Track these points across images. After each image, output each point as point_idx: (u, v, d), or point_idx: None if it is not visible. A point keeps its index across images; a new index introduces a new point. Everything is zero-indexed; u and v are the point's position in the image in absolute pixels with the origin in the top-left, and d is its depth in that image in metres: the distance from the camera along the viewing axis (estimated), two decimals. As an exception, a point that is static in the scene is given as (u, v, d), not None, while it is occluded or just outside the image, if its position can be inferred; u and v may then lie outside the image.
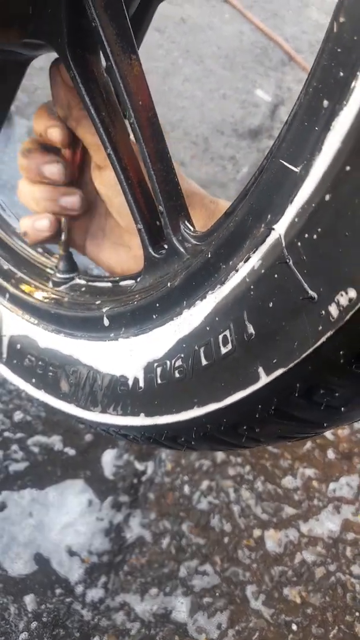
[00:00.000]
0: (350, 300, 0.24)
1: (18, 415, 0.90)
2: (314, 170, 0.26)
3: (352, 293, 0.24)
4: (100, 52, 0.47)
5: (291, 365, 0.29)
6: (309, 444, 1.06)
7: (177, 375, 0.40)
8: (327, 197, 0.25)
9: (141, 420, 0.45)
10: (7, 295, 0.64)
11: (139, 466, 0.91)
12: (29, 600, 0.73)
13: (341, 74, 0.25)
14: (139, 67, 0.43)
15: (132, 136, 0.45)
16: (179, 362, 0.40)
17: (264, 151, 1.85)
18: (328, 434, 1.09)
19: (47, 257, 0.68)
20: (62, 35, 0.44)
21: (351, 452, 1.06)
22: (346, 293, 0.24)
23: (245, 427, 0.36)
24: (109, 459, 0.90)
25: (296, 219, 0.27)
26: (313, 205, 0.26)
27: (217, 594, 0.83)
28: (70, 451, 0.88)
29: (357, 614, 0.87)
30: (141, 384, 0.44)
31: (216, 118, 1.89)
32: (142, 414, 0.45)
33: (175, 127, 1.73)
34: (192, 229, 0.44)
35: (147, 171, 0.44)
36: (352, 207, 0.24)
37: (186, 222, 0.44)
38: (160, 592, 0.80)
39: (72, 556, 0.78)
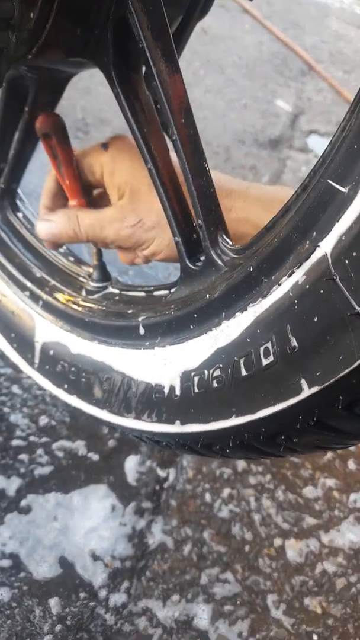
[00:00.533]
0: None
1: (43, 420, 0.91)
2: (364, 191, 0.27)
3: None
4: (144, 71, 0.48)
5: (335, 378, 0.30)
6: (329, 454, 1.06)
7: (215, 384, 0.41)
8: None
9: (176, 428, 0.46)
10: (41, 303, 0.66)
11: (161, 473, 0.92)
12: (54, 603, 0.74)
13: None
14: (182, 85, 0.45)
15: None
16: (217, 372, 0.41)
17: (284, 160, 1.86)
18: (349, 445, 1.09)
19: (80, 266, 0.69)
20: (108, 55, 0.46)
21: (372, 463, 1.05)
22: (395, 310, 0.25)
23: (283, 437, 0.37)
24: (131, 465, 0.91)
25: (343, 237, 0.28)
26: (361, 224, 0.27)
27: (238, 602, 0.83)
28: (94, 456, 0.90)
29: (378, 626, 0.87)
30: (177, 392, 0.45)
31: (237, 128, 1.91)
32: (177, 422, 0.46)
33: (197, 137, 1.75)
34: (230, 242, 0.45)
35: (187, 186, 0.45)
36: None
37: (224, 235, 0.45)
38: (182, 599, 0.81)
39: (96, 560, 0.79)
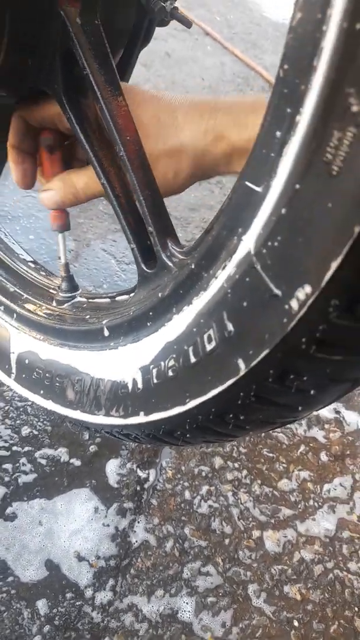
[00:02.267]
0: (306, 294, 0.30)
1: (25, 430, 0.94)
2: (272, 189, 0.32)
3: (308, 288, 0.30)
4: (91, 95, 0.54)
5: (264, 354, 0.34)
6: (302, 448, 1.11)
7: (170, 373, 0.45)
8: (284, 211, 0.31)
9: (141, 419, 0.50)
10: (15, 315, 0.69)
11: (142, 474, 0.96)
12: (41, 604, 0.77)
13: (288, 110, 0.31)
14: (125, 107, 0.50)
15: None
16: (171, 362, 0.45)
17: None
18: (320, 437, 1.13)
19: (50, 279, 0.74)
20: (58, 83, 0.51)
21: (343, 454, 1.10)
22: (303, 288, 0.30)
23: (231, 415, 0.42)
24: (112, 468, 0.94)
25: (261, 230, 0.33)
26: (273, 218, 0.32)
27: (220, 594, 0.86)
28: (76, 462, 0.93)
29: (355, 609, 0.91)
30: (139, 385, 0.50)
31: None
32: (141, 413, 0.50)
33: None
34: (178, 245, 0.50)
35: (136, 197, 0.50)
36: (303, 218, 0.30)
37: (173, 240, 0.50)
38: (166, 594, 0.84)
39: (81, 561, 0.82)
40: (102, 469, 0.94)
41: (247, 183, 0.34)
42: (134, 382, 0.50)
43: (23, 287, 0.72)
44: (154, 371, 0.48)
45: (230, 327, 0.37)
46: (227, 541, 0.93)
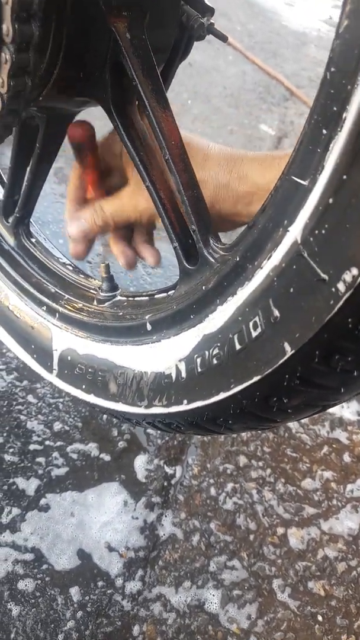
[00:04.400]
0: (353, 277, 0.33)
1: (57, 426, 0.98)
2: (319, 182, 0.35)
3: (355, 271, 0.33)
4: (137, 104, 0.57)
5: (310, 336, 0.37)
6: (325, 449, 1.12)
7: (214, 362, 0.48)
8: (331, 201, 0.34)
9: (184, 407, 0.53)
10: (57, 315, 0.73)
11: (169, 470, 0.98)
12: (74, 592, 0.79)
13: (335, 108, 0.34)
14: (171, 115, 0.53)
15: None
16: (215, 351, 0.48)
17: (270, 181, 1.96)
18: (343, 439, 1.15)
19: (89, 280, 0.77)
20: (106, 93, 0.55)
21: (366, 455, 1.12)
22: (350, 271, 0.33)
23: (275, 399, 0.44)
24: (140, 464, 0.97)
25: (308, 220, 0.36)
26: (320, 208, 0.35)
27: (245, 587, 0.88)
28: (106, 457, 0.96)
29: (379, 606, 0.92)
30: (183, 374, 0.53)
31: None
32: (185, 401, 0.53)
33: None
34: (219, 242, 0.53)
35: (180, 198, 0.53)
36: (351, 205, 0.33)
37: (214, 237, 0.53)
38: (193, 585, 0.86)
39: (111, 552, 0.85)
40: (130, 464, 0.97)
41: (293, 178, 0.37)
42: (178, 372, 0.53)
43: (64, 288, 0.76)
44: (198, 360, 0.50)
45: (276, 312, 0.40)
46: (252, 537, 0.95)
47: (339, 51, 0.33)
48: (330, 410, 1.23)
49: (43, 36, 0.43)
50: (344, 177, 0.33)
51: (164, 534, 0.90)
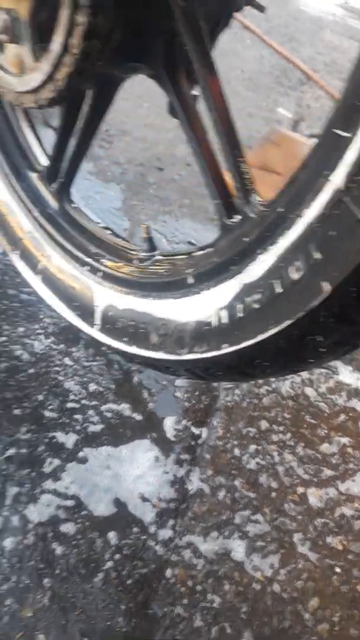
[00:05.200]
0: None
1: (92, 387, 1.03)
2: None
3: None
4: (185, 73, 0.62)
5: (347, 273, 0.42)
6: (342, 416, 1.17)
7: (255, 306, 0.53)
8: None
9: (224, 350, 0.58)
10: (99, 274, 0.78)
11: (195, 431, 1.04)
12: (112, 536, 0.85)
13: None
14: (218, 78, 0.58)
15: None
16: (257, 296, 0.53)
17: (289, 162, 1.99)
18: (359, 408, 1.20)
19: (128, 242, 0.82)
20: (158, 59, 0.59)
21: (383, 423, 1.16)
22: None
23: (311, 337, 0.49)
24: (169, 424, 1.03)
25: (350, 169, 0.41)
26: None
27: (268, 539, 0.94)
28: (138, 417, 1.01)
29: (394, 561, 0.97)
30: (224, 320, 0.58)
31: (244, 134, 2.04)
32: (225, 345, 0.58)
33: (207, 143, 1.89)
34: (259, 198, 0.57)
35: (226, 158, 0.58)
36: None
37: (255, 194, 0.57)
38: (220, 536, 0.92)
39: (144, 502, 0.91)
40: (160, 424, 1.02)
41: (335, 131, 0.42)
42: (219, 318, 0.58)
43: (105, 250, 0.81)
44: (239, 306, 0.55)
45: (317, 255, 0.45)
46: (273, 494, 1.00)
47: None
48: (347, 380, 1.28)
49: (113, 3, 0.47)
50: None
51: (192, 489, 0.96)
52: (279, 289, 0.50)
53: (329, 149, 0.43)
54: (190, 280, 0.63)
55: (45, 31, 0.55)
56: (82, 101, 0.72)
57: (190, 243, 1.46)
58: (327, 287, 0.44)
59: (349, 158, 0.41)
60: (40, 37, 0.57)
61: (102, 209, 1.42)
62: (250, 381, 1.14)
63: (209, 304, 0.60)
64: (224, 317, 0.57)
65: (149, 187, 1.61)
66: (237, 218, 0.58)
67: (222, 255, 0.59)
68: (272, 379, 1.20)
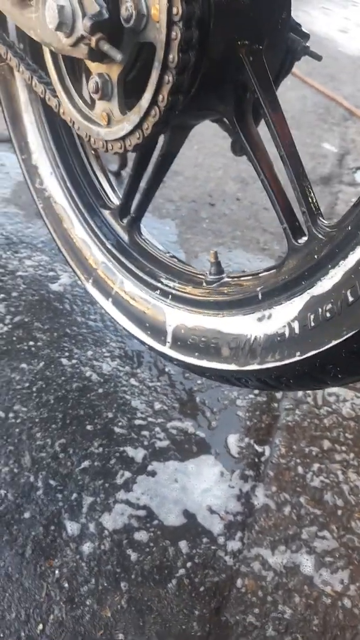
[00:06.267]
0: None
1: (157, 405, 1.09)
2: None
3: None
4: (253, 115, 0.70)
5: None
6: None
7: (328, 315, 0.58)
8: None
9: (297, 358, 0.63)
10: (170, 296, 0.86)
11: (258, 448, 1.07)
12: (183, 545, 0.89)
13: None
14: (283, 118, 0.65)
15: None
16: (329, 306, 0.58)
17: (336, 194, 2.05)
18: None
19: (194, 268, 0.90)
20: (230, 106, 0.68)
21: None
22: None
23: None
24: (233, 441, 1.07)
25: None
26: None
27: (336, 556, 0.95)
28: (202, 434, 1.06)
29: None
30: (296, 331, 0.63)
31: (290, 169, 2.13)
32: (297, 353, 0.63)
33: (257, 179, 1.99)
34: (326, 221, 0.63)
35: (293, 186, 0.65)
36: None
37: (321, 216, 0.64)
38: (288, 550, 0.94)
39: (212, 514, 0.94)
40: (223, 441, 1.07)
41: None
42: (291, 329, 0.64)
43: (174, 275, 0.89)
44: (311, 317, 0.61)
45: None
46: (340, 512, 1.02)
47: None
48: None
49: (195, 62, 0.56)
50: None
51: (258, 503, 0.99)
52: (351, 298, 0.55)
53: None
54: (260, 297, 0.69)
55: (131, 89, 0.65)
56: (154, 146, 0.81)
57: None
58: None
59: None
60: (126, 94, 0.67)
61: (159, 243, 1.51)
62: (319, 389, 1.17)
63: (281, 317, 0.65)
64: (296, 328, 0.63)
65: (202, 222, 1.71)
66: (305, 240, 0.64)
67: (292, 273, 0.65)
68: (333, 401, 1.22)
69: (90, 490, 0.95)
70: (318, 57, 0.76)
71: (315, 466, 1.08)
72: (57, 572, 0.84)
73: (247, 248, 1.68)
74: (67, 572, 0.84)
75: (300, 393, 1.24)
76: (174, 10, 0.52)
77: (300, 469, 1.07)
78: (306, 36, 0.74)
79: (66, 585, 0.83)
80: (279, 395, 1.21)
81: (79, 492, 0.94)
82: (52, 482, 0.95)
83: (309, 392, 1.25)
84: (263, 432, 1.12)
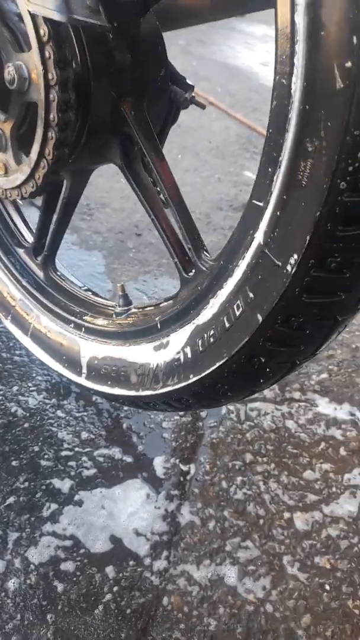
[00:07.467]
0: (295, 260, 0.50)
1: (84, 435, 1.12)
2: (270, 202, 0.53)
3: (296, 256, 0.50)
4: (141, 162, 0.76)
5: (273, 304, 0.54)
6: (322, 445, 1.26)
7: (211, 340, 0.65)
8: (278, 213, 0.52)
9: (192, 380, 0.69)
10: (83, 329, 0.90)
11: (184, 467, 1.12)
12: (109, 570, 0.92)
13: (274, 154, 0.52)
14: (166, 165, 0.72)
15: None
16: (212, 332, 0.64)
17: (256, 219, 2.18)
18: (338, 436, 1.29)
19: (106, 300, 0.95)
20: (117, 154, 0.74)
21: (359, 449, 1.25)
22: (293, 257, 0.50)
23: (256, 359, 0.60)
24: (159, 463, 1.11)
25: (266, 228, 0.53)
26: (274, 217, 0.52)
27: (259, 563, 1.00)
28: (128, 459, 1.10)
29: (381, 577, 1.03)
30: (189, 355, 0.69)
31: (214, 197, 2.25)
32: (191, 375, 0.69)
33: (180, 208, 2.08)
34: (209, 255, 0.70)
35: (177, 224, 0.71)
36: (288, 218, 0.51)
37: (204, 251, 0.70)
38: (212, 563, 0.98)
39: (139, 536, 0.97)
40: (150, 464, 1.10)
41: (254, 202, 0.55)
42: (184, 354, 0.69)
43: (87, 308, 0.93)
44: (199, 342, 0.67)
45: (251, 295, 0.57)
46: (261, 521, 1.07)
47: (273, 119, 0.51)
48: (325, 411, 1.37)
49: (76, 120, 0.62)
50: (284, 197, 0.51)
51: (184, 521, 1.03)
52: (227, 324, 0.62)
53: (252, 215, 0.56)
54: (159, 326, 0.75)
55: (25, 141, 0.70)
56: (60, 188, 0.87)
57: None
58: (259, 317, 0.56)
59: (265, 219, 0.54)
60: (20, 146, 0.72)
61: (86, 274, 1.56)
62: (218, 406, 1.23)
63: (176, 344, 0.71)
64: (189, 352, 0.69)
65: (129, 252, 1.77)
66: (193, 272, 0.71)
67: (183, 302, 0.71)
68: (255, 416, 1.29)
69: (15, 525, 0.96)
70: (202, 106, 0.84)
71: (239, 479, 1.14)
72: (-18, 610, 0.84)
73: (173, 275, 1.75)
74: (-7, 610, 0.85)
75: (224, 409, 1.31)
76: (49, 76, 0.57)
77: (224, 484, 1.12)
78: (190, 88, 0.82)
79: (-9, 622, 0.83)
80: (203, 413, 1.27)
81: (4, 528, 0.95)
82: (-24, 520, 0.95)
83: (231, 408, 1.31)
84: (188, 451, 1.16)
